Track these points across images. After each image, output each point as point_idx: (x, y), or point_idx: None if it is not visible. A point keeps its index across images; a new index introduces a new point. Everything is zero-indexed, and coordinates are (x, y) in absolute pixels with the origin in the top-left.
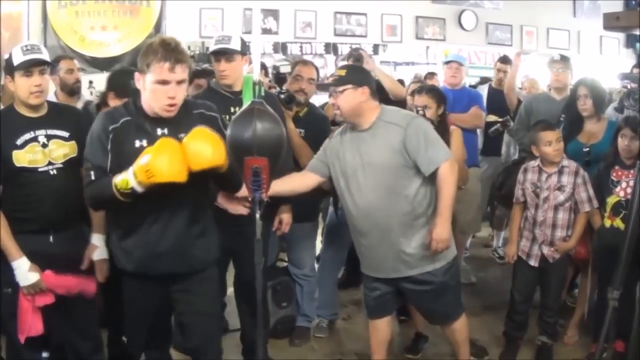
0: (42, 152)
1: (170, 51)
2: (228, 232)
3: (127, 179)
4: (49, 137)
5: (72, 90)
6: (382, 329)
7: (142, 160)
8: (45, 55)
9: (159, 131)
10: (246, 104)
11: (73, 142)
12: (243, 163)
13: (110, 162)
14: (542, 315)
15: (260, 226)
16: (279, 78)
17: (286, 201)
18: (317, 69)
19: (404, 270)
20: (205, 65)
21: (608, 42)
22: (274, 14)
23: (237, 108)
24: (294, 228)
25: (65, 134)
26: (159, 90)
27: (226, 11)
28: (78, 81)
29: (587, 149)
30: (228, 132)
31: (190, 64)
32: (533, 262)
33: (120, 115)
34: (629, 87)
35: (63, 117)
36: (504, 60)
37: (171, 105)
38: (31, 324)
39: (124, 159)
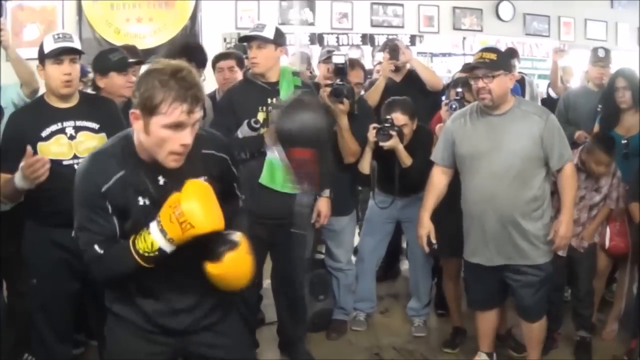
0: (68, 145)
1: (187, 88)
2: (266, 224)
3: (152, 240)
4: (78, 129)
5: None
6: (489, 319)
7: (174, 211)
8: (77, 44)
9: (161, 180)
10: (284, 95)
11: (103, 135)
12: (289, 154)
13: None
14: (575, 309)
15: (303, 218)
16: (338, 69)
17: (324, 193)
18: (364, 70)
19: (516, 259)
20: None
21: None
22: (310, 4)
23: (274, 99)
24: (332, 221)
25: (95, 126)
26: (170, 137)
27: (262, 2)
28: None
29: (625, 141)
30: (277, 123)
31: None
32: (562, 252)
33: (111, 172)
34: None
35: (94, 108)
36: None
37: (180, 154)
38: None
39: (129, 221)
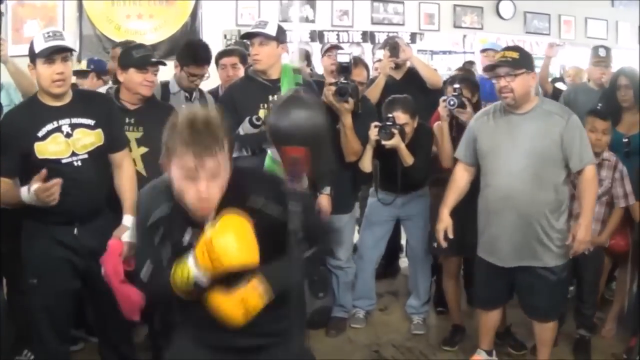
0: (65, 143)
1: (199, 134)
2: None
3: (188, 271)
4: (74, 126)
5: None
6: (493, 317)
7: (206, 246)
8: (68, 42)
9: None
10: (285, 92)
11: (99, 130)
12: (282, 152)
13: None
14: (579, 308)
15: (296, 217)
16: (340, 68)
17: (325, 191)
18: (367, 69)
19: (529, 260)
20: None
21: None
22: (310, 2)
23: (275, 96)
24: (332, 219)
25: (91, 122)
26: (186, 188)
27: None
28: None
29: (627, 139)
30: (269, 120)
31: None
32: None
33: (157, 207)
34: None
35: (89, 104)
36: None
37: (204, 207)
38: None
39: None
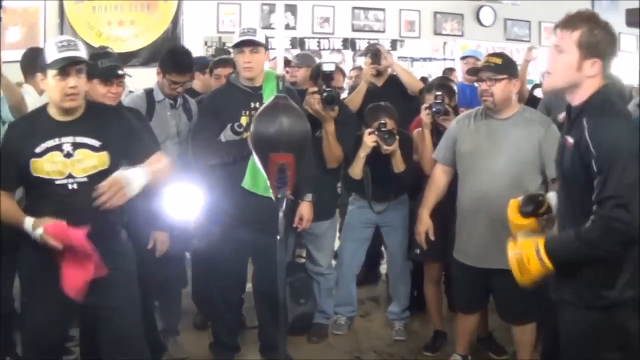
0: (62, 163)
1: None
2: (248, 228)
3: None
4: (76, 146)
5: None
6: (470, 322)
7: None
8: (83, 53)
9: None
10: (267, 99)
11: (104, 153)
12: (268, 159)
13: None
14: None
15: (284, 224)
16: (325, 76)
17: (306, 198)
18: (343, 74)
19: (504, 263)
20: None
21: (626, 38)
22: (291, 9)
23: (257, 103)
24: (312, 226)
25: (96, 143)
26: None
27: (244, 6)
28: None
29: None
30: (252, 127)
31: None
32: None
33: None
34: None
35: (99, 121)
36: None
37: None
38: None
39: None
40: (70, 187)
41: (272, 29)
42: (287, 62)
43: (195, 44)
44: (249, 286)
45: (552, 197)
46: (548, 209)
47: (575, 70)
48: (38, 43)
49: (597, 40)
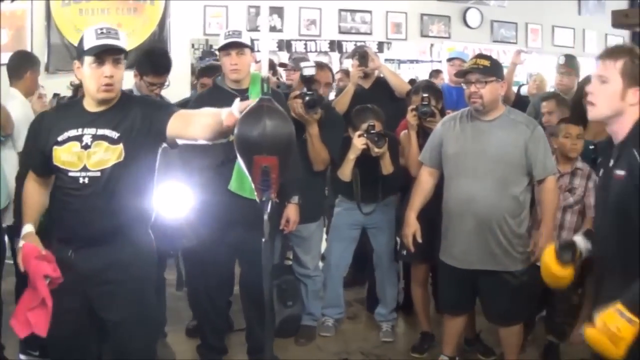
0: (78, 154)
1: None
2: (235, 230)
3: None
4: (95, 138)
5: None
6: (457, 324)
7: None
8: (123, 43)
9: None
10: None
11: (119, 146)
12: (252, 162)
13: None
14: (549, 316)
15: (268, 227)
16: (305, 80)
17: (293, 200)
18: (332, 72)
19: (489, 264)
20: (211, 61)
21: (613, 40)
22: (278, 11)
23: None
24: (299, 228)
25: (114, 135)
26: None
27: (230, 8)
28: None
29: (594, 146)
30: (236, 130)
31: None
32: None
33: None
34: None
35: (124, 111)
36: None
37: None
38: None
39: None
40: (81, 180)
41: (259, 31)
42: (283, 65)
43: (182, 47)
44: (236, 288)
45: (579, 241)
46: (579, 254)
47: (619, 99)
48: (25, 46)
49: (639, 69)
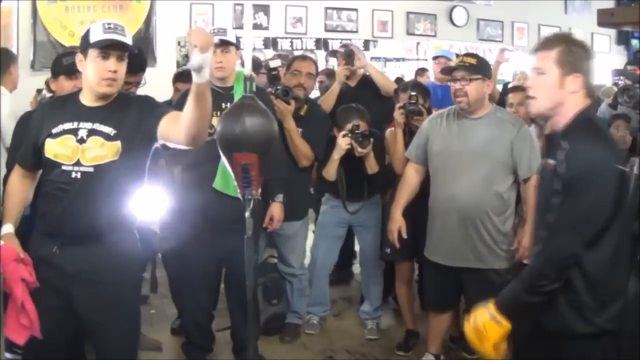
0: (73, 148)
1: None
2: (220, 229)
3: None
4: (91, 132)
5: None
6: (442, 321)
7: None
8: (129, 40)
9: None
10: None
11: (116, 143)
12: (232, 159)
13: None
14: None
15: (251, 224)
16: (271, 75)
17: (277, 198)
18: (315, 64)
19: (473, 262)
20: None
21: (599, 38)
22: (264, 9)
23: (228, 104)
24: (284, 226)
25: (111, 131)
26: None
27: (216, 6)
28: None
29: None
30: (217, 127)
31: None
32: (527, 260)
33: None
34: (620, 83)
35: (121, 108)
36: None
37: None
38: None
39: None
40: (73, 175)
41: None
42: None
43: (168, 44)
44: (221, 287)
45: None
46: None
47: (557, 88)
48: (11, 44)
49: (575, 56)
